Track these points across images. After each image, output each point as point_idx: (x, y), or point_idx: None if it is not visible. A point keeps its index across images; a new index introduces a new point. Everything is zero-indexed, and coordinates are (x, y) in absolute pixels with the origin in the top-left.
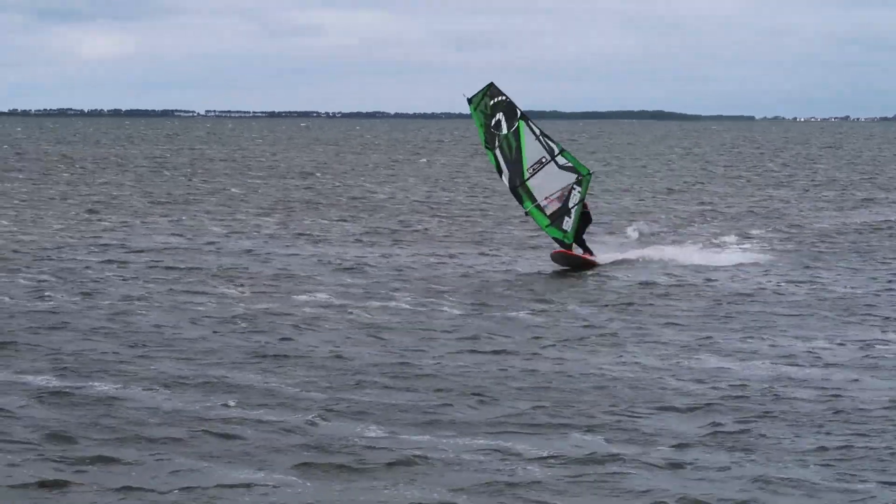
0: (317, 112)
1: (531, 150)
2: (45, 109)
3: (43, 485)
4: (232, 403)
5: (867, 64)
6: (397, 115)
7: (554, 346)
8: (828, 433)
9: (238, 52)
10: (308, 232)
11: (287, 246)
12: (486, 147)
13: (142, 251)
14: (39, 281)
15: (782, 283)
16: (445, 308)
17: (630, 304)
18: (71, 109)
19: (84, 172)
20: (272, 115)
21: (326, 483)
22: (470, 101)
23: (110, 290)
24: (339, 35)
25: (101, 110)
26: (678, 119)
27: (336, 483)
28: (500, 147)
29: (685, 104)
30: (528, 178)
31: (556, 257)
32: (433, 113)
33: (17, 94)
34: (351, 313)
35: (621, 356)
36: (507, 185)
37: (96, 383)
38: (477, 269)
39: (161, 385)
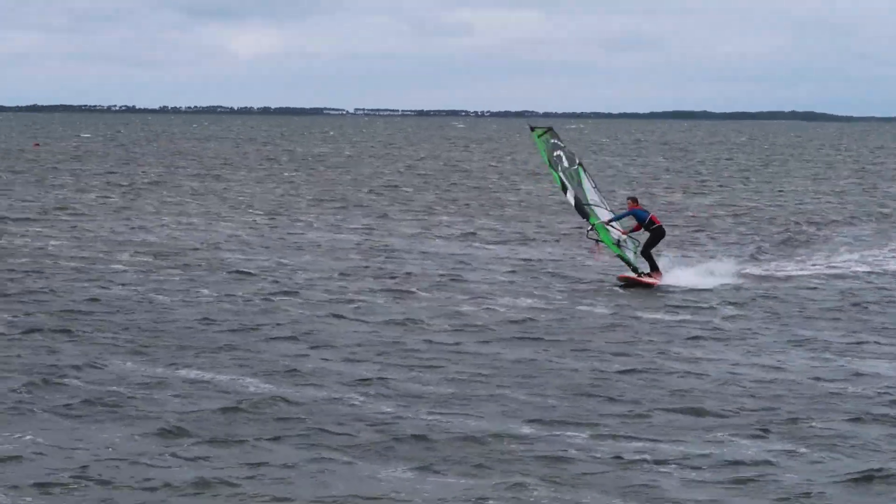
0: (465, 111)
1: (590, 192)
2: (194, 107)
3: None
4: (425, 409)
5: None
6: (546, 115)
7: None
8: None
9: (388, 50)
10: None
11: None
12: (550, 167)
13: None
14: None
15: None
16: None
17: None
18: (220, 107)
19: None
20: (420, 113)
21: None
22: (533, 129)
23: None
24: (487, 34)
25: (251, 108)
26: (829, 120)
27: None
28: (563, 172)
29: (836, 105)
30: (591, 205)
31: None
32: (581, 112)
33: (168, 91)
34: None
35: (775, 358)
36: (572, 201)
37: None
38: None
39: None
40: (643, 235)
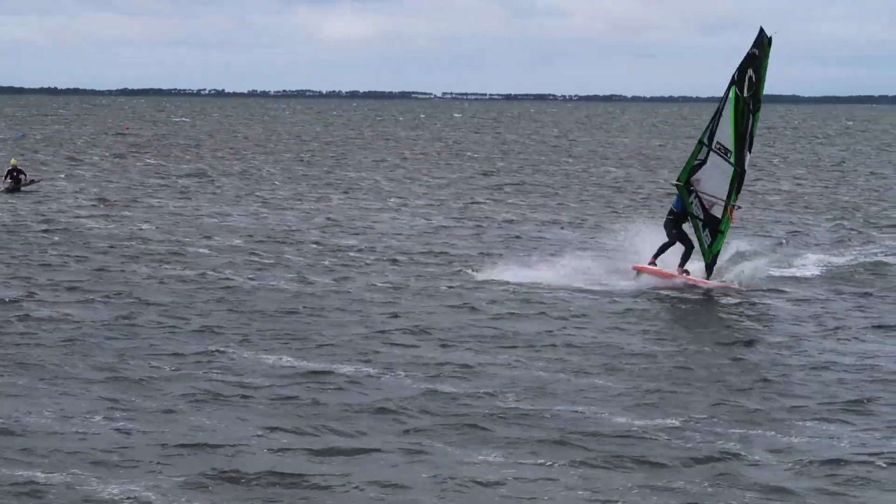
0: (553, 95)
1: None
2: (283, 91)
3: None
4: (488, 391)
5: None
6: (634, 99)
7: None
8: None
9: (477, 33)
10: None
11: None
12: (756, 109)
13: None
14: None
15: None
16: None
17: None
18: (309, 91)
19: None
20: (508, 97)
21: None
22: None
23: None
24: (579, 18)
25: (339, 92)
26: None
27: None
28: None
29: None
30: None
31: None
32: (671, 96)
33: (258, 76)
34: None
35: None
36: (745, 164)
37: (345, 366)
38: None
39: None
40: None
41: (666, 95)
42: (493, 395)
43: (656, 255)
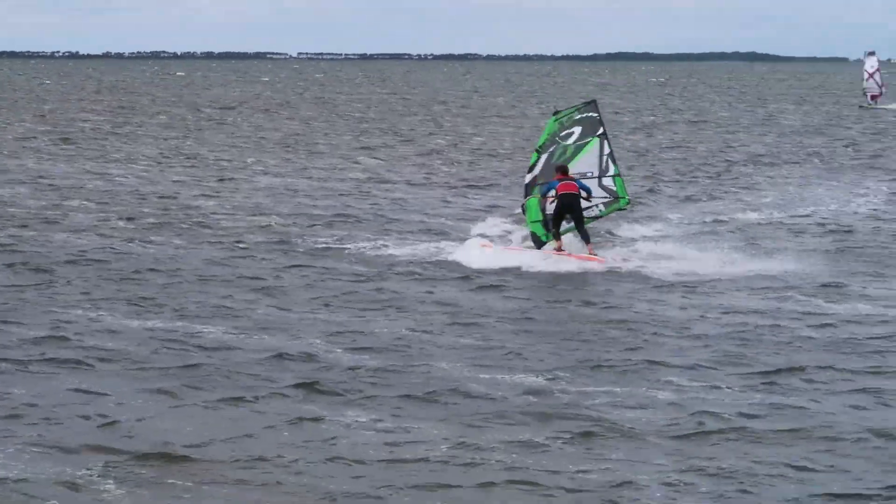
0: (409, 54)
1: (583, 163)
2: (138, 52)
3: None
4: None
5: None
6: (489, 57)
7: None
8: None
9: None
10: None
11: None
12: (536, 150)
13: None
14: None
15: None
16: None
17: None
18: (164, 52)
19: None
20: (364, 56)
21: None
22: (556, 113)
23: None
24: None
25: (194, 53)
26: (772, 61)
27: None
28: (552, 153)
29: (776, 46)
30: (540, 183)
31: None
32: (525, 55)
33: (111, 37)
34: None
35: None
36: (527, 180)
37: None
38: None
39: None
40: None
41: (521, 54)
42: (353, 352)
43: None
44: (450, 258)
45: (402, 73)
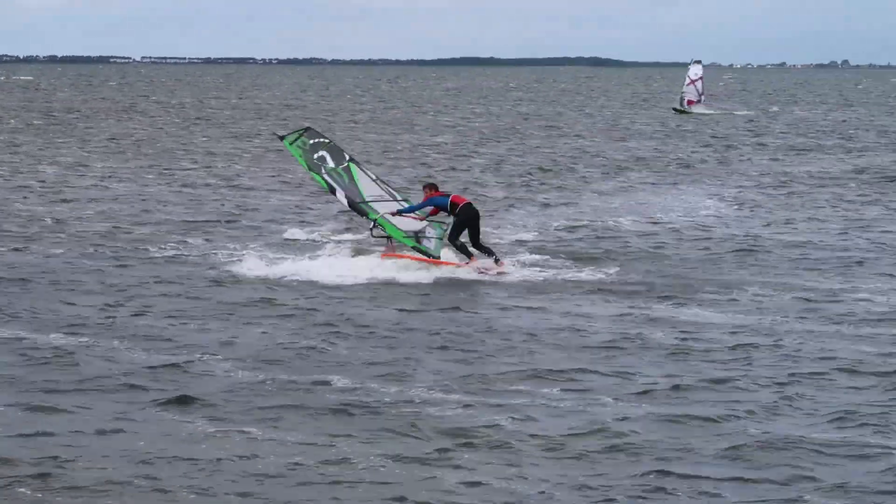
0: (253, 59)
1: (368, 187)
2: None
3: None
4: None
5: (804, 9)
6: (334, 62)
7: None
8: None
9: None
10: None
11: None
12: (311, 171)
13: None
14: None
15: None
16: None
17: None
18: (6, 56)
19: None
20: (208, 61)
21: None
22: (283, 138)
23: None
24: None
25: (37, 56)
26: (616, 66)
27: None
28: (329, 173)
29: (623, 51)
30: (369, 201)
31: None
32: (370, 59)
33: None
34: None
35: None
36: (344, 201)
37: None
38: None
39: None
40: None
41: (366, 59)
42: (225, 362)
43: (489, 255)
44: (309, 266)
45: (251, 76)
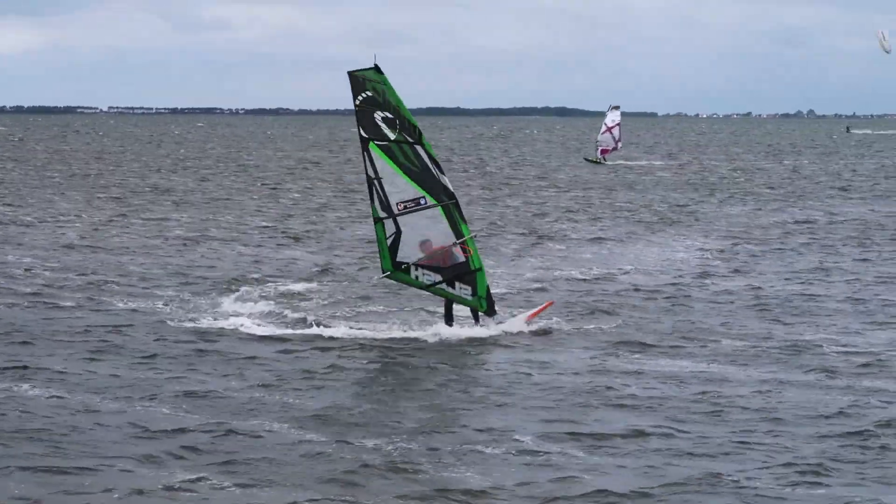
0: (220, 109)
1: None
2: None
3: None
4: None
5: (773, 60)
6: (301, 112)
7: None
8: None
9: (143, 46)
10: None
11: None
12: (418, 136)
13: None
14: None
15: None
16: None
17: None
18: None
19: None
20: (175, 111)
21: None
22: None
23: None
24: (245, 30)
25: (3, 107)
26: (581, 115)
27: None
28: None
29: (589, 101)
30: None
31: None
32: (337, 109)
33: None
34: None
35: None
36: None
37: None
38: None
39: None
40: None
41: (333, 109)
42: (178, 412)
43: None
44: (244, 313)
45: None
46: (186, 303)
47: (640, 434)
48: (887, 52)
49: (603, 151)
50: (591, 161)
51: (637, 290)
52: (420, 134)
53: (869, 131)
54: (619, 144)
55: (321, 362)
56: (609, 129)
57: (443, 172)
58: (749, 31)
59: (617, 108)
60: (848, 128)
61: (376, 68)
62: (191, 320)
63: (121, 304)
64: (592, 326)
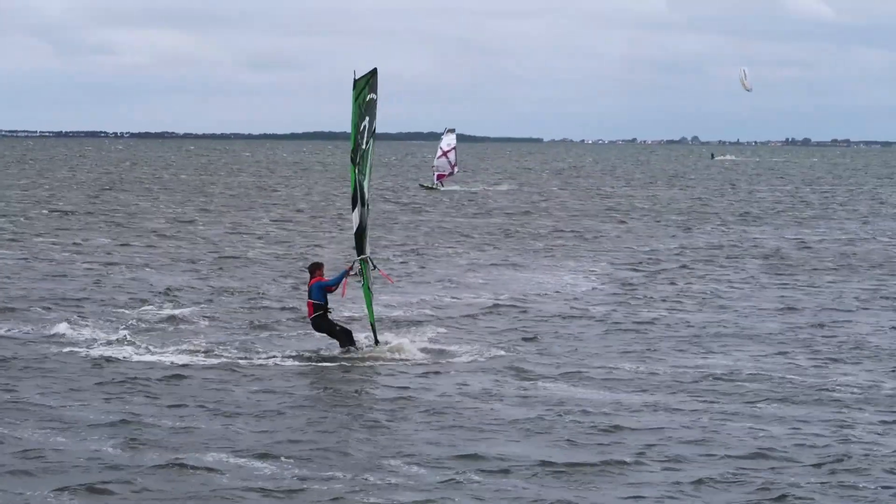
0: (105, 132)
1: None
2: None
3: None
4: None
5: (657, 87)
6: (186, 136)
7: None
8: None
9: (24, 71)
10: None
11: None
12: (351, 160)
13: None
14: None
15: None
16: None
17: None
18: None
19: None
20: (59, 134)
21: None
22: (355, 84)
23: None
24: (129, 54)
25: None
26: (467, 141)
27: None
28: (360, 166)
29: (476, 126)
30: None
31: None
32: (223, 133)
33: None
34: None
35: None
36: (358, 221)
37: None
38: None
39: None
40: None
41: (219, 133)
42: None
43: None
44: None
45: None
46: (80, 328)
47: (541, 461)
48: (748, 91)
49: (439, 176)
50: (426, 188)
51: (530, 314)
52: (359, 158)
53: (733, 157)
54: (456, 169)
55: (211, 388)
56: (445, 154)
57: (362, 205)
58: (634, 59)
59: (452, 130)
60: (713, 154)
61: (361, 78)
62: (83, 345)
63: (15, 331)
64: (486, 351)
